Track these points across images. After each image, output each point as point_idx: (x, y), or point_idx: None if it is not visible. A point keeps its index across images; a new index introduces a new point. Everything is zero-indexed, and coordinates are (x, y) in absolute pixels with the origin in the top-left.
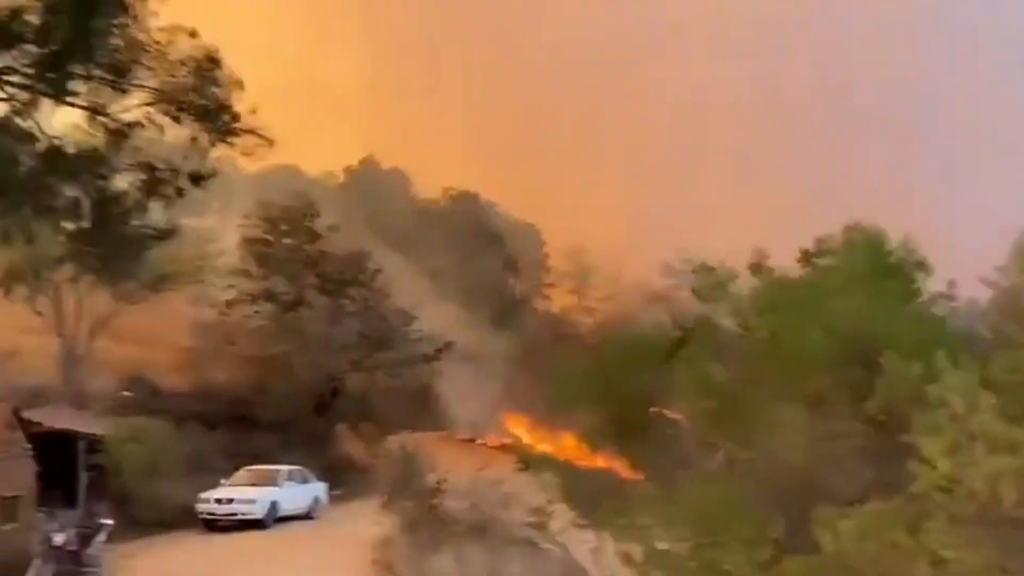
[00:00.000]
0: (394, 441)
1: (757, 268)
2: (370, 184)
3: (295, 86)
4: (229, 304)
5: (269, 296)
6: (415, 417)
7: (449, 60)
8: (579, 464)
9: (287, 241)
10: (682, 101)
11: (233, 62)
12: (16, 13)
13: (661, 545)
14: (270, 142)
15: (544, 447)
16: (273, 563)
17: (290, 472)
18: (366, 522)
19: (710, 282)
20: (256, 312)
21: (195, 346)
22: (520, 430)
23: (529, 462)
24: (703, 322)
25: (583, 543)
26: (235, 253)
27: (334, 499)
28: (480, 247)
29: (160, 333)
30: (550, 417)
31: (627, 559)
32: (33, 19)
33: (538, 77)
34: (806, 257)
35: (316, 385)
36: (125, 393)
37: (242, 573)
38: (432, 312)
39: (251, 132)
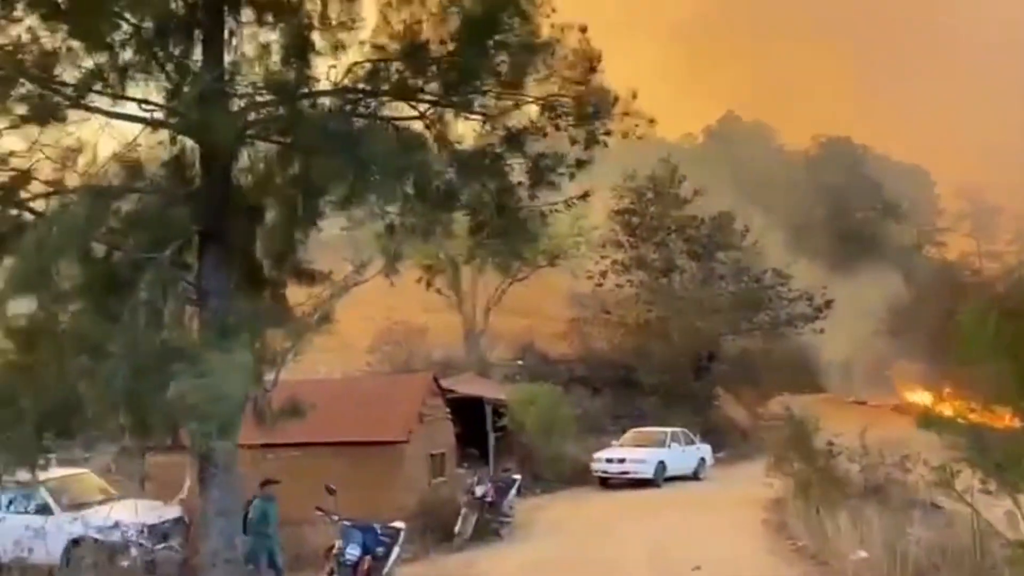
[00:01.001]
0: (778, 403)
1: None
2: (731, 141)
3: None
4: (603, 274)
5: (640, 264)
6: (797, 378)
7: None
8: (985, 423)
9: (654, 209)
10: None
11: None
12: (424, 42)
13: None
14: (650, 121)
15: (943, 406)
16: (663, 518)
17: (674, 434)
18: (753, 483)
19: None
20: (628, 281)
21: (576, 316)
22: (914, 388)
23: (928, 422)
24: None
25: (994, 505)
26: (605, 225)
27: (719, 461)
28: (856, 194)
29: (544, 305)
30: (949, 373)
31: None
32: (437, 45)
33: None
34: None
35: (693, 349)
36: (519, 361)
37: (634, 525)
38: (806, 268)
39: (627, 115)
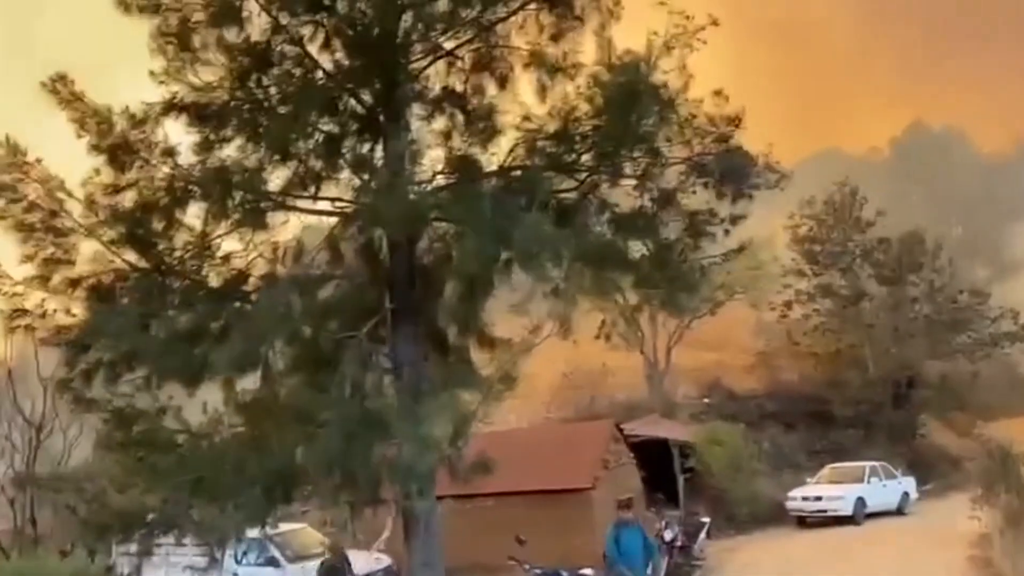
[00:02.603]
0: (986, 429)
1: None
2: (920, 151)
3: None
4: (787, 304)
5: (826, 292)
6: (1009, 401)
7: None
8: None
9: (835, 235)
10: None
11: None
12: (576, 119)
13: None
14: (782, 176)
15: None
16: (863, 557)
17: (874, 468)
18: (960, 517)
19: None
20: (815, 310)
21: (762, 348)
22: None
23: None
24: None
25: None
26: (785, 253)
27: (925, 493)
28: None
29: (729, 338)
30: None
31: None
32: (587, 120)
33: None
34: None
35: (890, 376)
36: (705, 400)
37: (833, 566)
38: (1011, 285)
39: (768, 167)
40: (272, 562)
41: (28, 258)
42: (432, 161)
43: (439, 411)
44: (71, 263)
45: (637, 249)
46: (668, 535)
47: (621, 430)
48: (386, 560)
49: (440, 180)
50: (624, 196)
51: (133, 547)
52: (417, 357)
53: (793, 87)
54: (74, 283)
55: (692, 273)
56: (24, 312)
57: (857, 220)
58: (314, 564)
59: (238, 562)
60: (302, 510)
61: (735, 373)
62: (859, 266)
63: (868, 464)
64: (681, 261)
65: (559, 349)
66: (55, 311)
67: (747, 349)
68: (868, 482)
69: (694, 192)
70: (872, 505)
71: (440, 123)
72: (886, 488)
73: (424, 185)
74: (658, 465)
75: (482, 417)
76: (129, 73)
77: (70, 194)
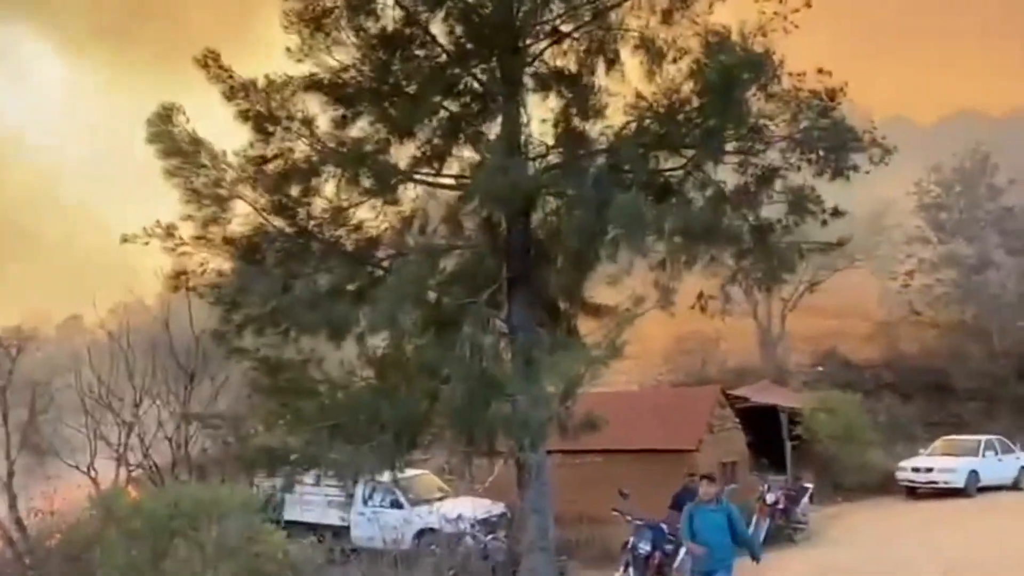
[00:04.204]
0: None
1: None
2: None
3: None
4: (909, 273)
5: (951, 261)
6: None
7: None
8: None
9: (963, 203)
10: None
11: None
12: (682, 99)
13: None
14: (887, 151)
15: None
16: (967, 529)
17: (989, 441)
18: None
19: None
20: (939, 279)
21: (882, 317)
22: None
23: None
24: None
25: None
26: (909, 219)
27: None
28: None
29: (848, 306)
30: None
31: None
32: (692, 100)
33: None
34: None
35: (1016, 349)
36: (819, 368)
37: (933, 535)
38: None
39: (874, 142)
40: (395, 504)
41: (190, 218)
42: (544, 139)
43: (550, 372)
44: (227, 223)
45: (739, 225)
46: (770, 498)
47: (728, 395)
48: (500, 507)
49: (552, 158)
50: (728, 173)
51: (277, 482)
52: (531, 323)
53: (930, 46)
54: (229, 241)
55: (791, 252)
56: (185, 273)
57: (988, 187)
58: (433, 507)
59: (365, 503)
60: (423, 458)
61: (852, 341)
62: (987, 234)
63: (983, 437)
64: (780, 240)
65: (671, 314)
66: (212, 270)
67: (867, 317)
68: (983, 455)
69: (798, 169)
70: (986, 479)
71: (553, 102)
72: (1002, 462)
73: (538, 161)
74: (766, 431)
75: (590, 380)
76: (263, 49)
77: (228, 164)
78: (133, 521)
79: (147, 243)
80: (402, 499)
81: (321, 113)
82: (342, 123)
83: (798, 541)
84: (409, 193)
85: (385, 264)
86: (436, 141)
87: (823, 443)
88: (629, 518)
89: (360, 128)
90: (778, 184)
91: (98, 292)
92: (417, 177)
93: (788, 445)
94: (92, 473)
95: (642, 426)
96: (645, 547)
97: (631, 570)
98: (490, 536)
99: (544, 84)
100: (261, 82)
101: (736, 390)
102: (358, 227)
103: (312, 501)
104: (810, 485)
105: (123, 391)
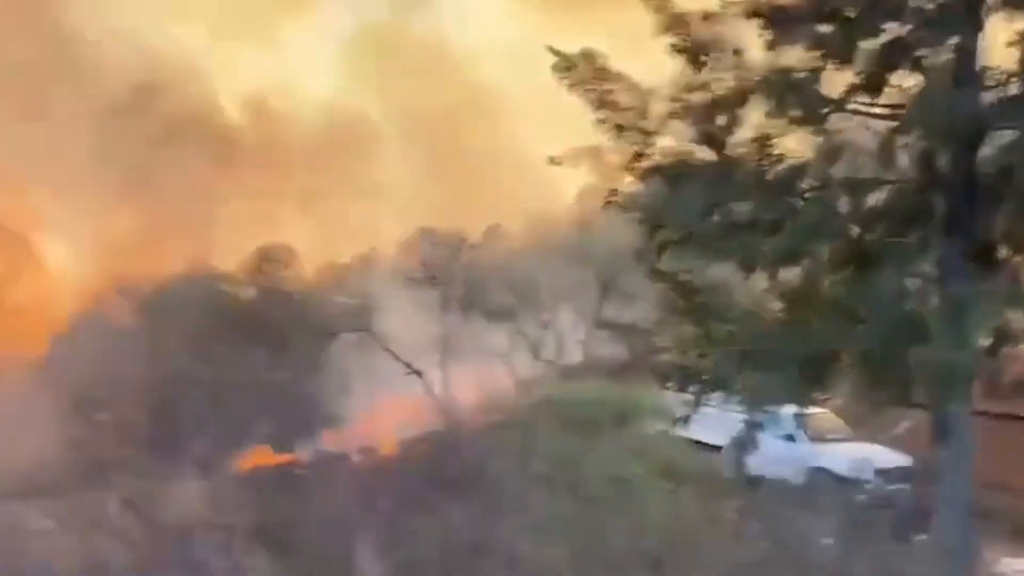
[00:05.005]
0: None
1: None
2: None
3: None
4: None
5: None
6: None
7: None
8: None
9: None
10: None
11: None
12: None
13: None
14: None
15: None
16: None
17: None
18: None
19: None
20: None
21: None
22: None
23: None
24: None
25: None
26: None
27: None
28: None
29: None
30: None
31: None
32: None
33: None
34: None
35: None
36: None
37: None
38: None
39: None
40: (789, 438)
41: (617, 151)
42: (1006, 66)
43: (982, 321)
44: (651, 156)
45: None
46: None
47: None
48: (904, 459)
49: (1014, 88)
50: None
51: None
52: (964, 270)
53: None
54: (652, 171)
55: None
56: (615, 192)
57: None
58: (831, 447)
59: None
60: (826, 397)
61: None
62: None
63: None
64: None
65: None
66: (639, 193)
67: None
68: None
69: None
70: None
71: (1022, 24)
72: None
73: (995, 91)
74: None
75: None
76: None
77: (653, 97)
78: (566, 411)
79: (576, 167)
80: (799, 434)
81: (752, 43)
82: (774, 51)
83: None
84: (839, 124)
85: (808, 196)
86: (874, 69)
87: None
88: None
89: (793, 56)
90: None
91: (517, 204)
92: (849, 107)
93: None
94: (511, 365)
95: None
96: None
97: None
98: (894, 487)
99: (1012, 1)
100: (697, 13)
101: None
102: (781, 158)
103: (708, 421)
104: None
105: (541, 295)
